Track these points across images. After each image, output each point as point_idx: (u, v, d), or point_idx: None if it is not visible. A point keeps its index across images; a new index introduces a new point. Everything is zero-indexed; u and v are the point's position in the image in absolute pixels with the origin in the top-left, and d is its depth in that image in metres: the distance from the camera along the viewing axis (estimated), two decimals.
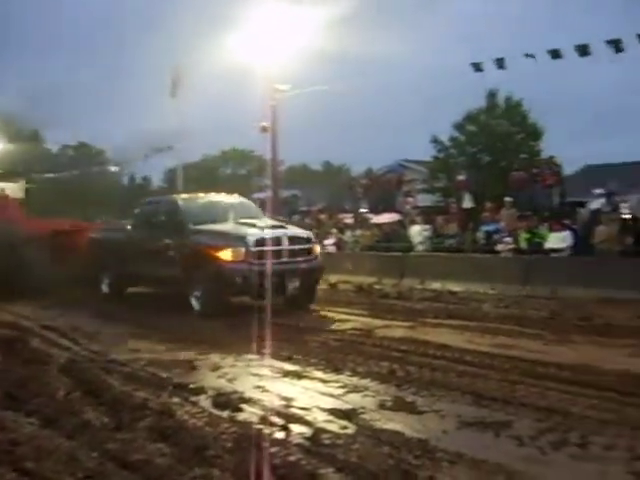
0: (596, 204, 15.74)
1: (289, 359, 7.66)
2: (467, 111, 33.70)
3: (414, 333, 9.21)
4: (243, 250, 10.72)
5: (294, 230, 12.08)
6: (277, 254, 10.98)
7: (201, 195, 13.37)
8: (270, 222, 12.22)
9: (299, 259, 11.28)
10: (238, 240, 10.86)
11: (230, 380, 6.79)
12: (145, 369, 7.29)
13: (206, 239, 11.20)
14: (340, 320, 10.50)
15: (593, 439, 4.86)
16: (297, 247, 11.31)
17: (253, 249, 10.74)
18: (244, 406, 5.73)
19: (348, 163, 56.76)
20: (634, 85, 63.11)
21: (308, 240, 11.72)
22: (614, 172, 25.14)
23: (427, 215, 18.66)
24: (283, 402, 5.87)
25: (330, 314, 11.14)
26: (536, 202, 16.42)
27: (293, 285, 11.10)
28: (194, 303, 11.09)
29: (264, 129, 20.73)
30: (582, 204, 16.64)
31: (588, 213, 15.82)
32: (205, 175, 50.43)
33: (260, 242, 10.84)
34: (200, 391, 6.23)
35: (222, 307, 10.85)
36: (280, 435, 4.98)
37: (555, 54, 12.79)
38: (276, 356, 7.70)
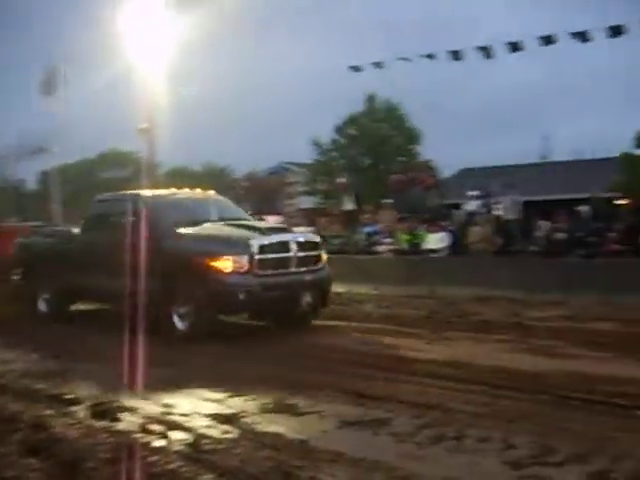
0: (471, 206, 16.32)
1: (168, 365, 7.47)
2: (348, 114, 34.25)
3: (298, 334, 9.25)
4: (246, 258, 8.86)
5: (302, 234, 10.42)
6: (285, 263, 9.28)
7: (173, 191, 11.13)
8: (269, 224, 10.62)
9: (309, 268, 9.54)
10: (239, 246, 8.98)
11: (108, 389, 6.59)
12: (18, 381, 6.98)
13: (195, 245, 9.24)
14: (222, 325, 10.39)
15: (468, 432, 5.01)
16: (306, 254, 9.55)
17: (258, 257, 8.94)
18: (122, 415, 5.58)
19: (231, 165, 56.30)
20: (510, 90, 65.86)
21: (316, 246, 9.90)
22: (490, 174, 26.17)
23: (308, 217, 18.81)
24: (163, 409, 5.76)
25: None
26: (414, 204, 16.84)
27: (306, 300, 9.38)
28: (178, 323, 9.09)
29: (143, 130, 20.27)
30: (458, 206, 17.21)
31: (464, 214, 16.39)
32: (82, 177, 48.82)
33: (266, 249, 9.08)
34: (76, 401, 6.02)
35: (216, 327, 9.04)
36: (160, 443, 4.87)
37: (430, 57, 13.15)
38: (154, 362, 7.49)
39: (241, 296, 8.77)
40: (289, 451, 4.69)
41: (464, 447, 4.76)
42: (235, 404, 5.94)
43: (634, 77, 56.68)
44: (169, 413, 5.65)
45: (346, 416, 5.46)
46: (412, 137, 34.30)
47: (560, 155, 39.69)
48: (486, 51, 12.64)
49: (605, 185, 20.79)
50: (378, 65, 13.94)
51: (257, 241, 9.05)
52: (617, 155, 29.62)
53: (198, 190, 11.37)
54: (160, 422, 5.36)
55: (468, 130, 62.31)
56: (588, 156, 33.63)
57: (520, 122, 62.88)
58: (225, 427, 5.25)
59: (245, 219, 10.67)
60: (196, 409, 5.74)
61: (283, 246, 9.28)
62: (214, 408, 5.80)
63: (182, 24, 19.36)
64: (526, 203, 16.73)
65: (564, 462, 4.40)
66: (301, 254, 9.39)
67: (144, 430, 5.16)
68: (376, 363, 7.38)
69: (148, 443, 4.85)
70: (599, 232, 14.19)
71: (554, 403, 5.79)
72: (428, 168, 17.66)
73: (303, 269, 9.41)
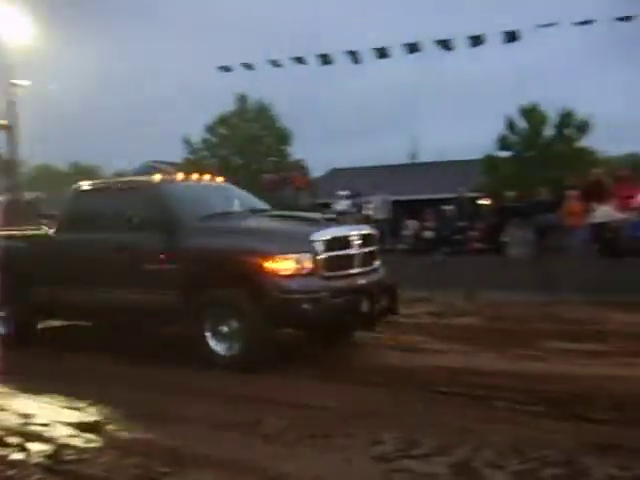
0: (342, 205, 16.55)
1: (21, 374, 7.07)
2: (219, 114, 34.05)
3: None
4: (309, 257, 7.01)
5: (358, 226, 8.41)
6: (348, 261, 7.46)
7: (181, 177, 8.78)
8: (316, 214, 8.78)
9: (370, 268, 7.79)
10: (299, 242, 7.08)
11: None
12: None
13: (238, 242, 7.19)
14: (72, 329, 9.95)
15: (337, 430, 5.04)
16: (367, 250, 7.77)
17: (323, 255, 7.10)
18: None
19: (100, 164, 54.63)
20: (378, 94, 67.50)
21: (373, 240, 8.03)
22: (359, 175, 26.68)
23: None
24: (21, 420, 5.48)
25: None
26: (286, 204, 16.86)
27: (379, 307, 7.59)
28: (216, 346, 7.13)
29: (2, 127, 19.34)
30: (329, 205, 17.41)
31: (334, 214, 16.57)
32: None
33: (333, 244, 7.22)
34: None
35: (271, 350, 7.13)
36: (18, 456, 4.64)
37: (299, 61, 13.19)
38: (10, 371, 7.11)
39: (306, 306, 6.85)
40: (158, 457, 4.57)
41: (333, 445, 4.79)
42: (100, 411, 5.72)
43: (495, 82, 59.33)
44: (28, 423, 5.38)
45: (216, 419, 5.39)
46: (283, 137, 34.53)
47: (428, 156, 41.06)
48: (354, 56, 12.82)
49: (471, 185, 21.64)
50: (248, 67, 13.84)
51: (320, 235, 7.16)
52: (480, 157, 30.90)
53: (207, 177, 9.26)
54: (18, 434, 5.10)
55: (338, 131, 63.43)
56: (454, 157, 34.91)
57: (390, 124, 64.57)
58: (89, 436, 5.05)
59: (271, 210, 9.03)
60: (57, 418, 5.49)
61: (345, 241, 7.49)
62: (77, 416, 5.57)
63: (46, 20, 18.70)
64: (395, 203, 17.16)
65: (429, 454, 4.52)
66: (365, 250, 7.71)
67: (0, 443, 4.89)
68: None
69: (5, 456, 4.62)
70: (463, 231, 14.75)
71: (420, 397, 5.93)
72: (300, 168, 17.74)
73: (367, 268, 7.72)
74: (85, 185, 8.99)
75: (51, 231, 8.85)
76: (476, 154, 31.28)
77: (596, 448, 4.54)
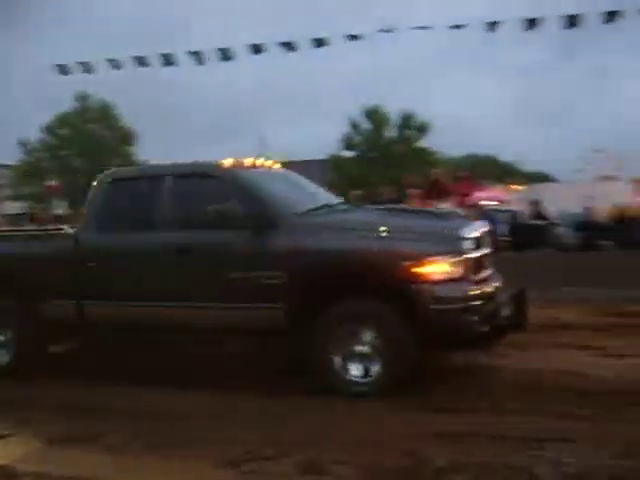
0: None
1: None
2: (58, 114, 32.76)
3: None
4: (461, 259, 5.77)
5: (481, 222, 6.92)
6: (483, 263, 6.24)
7: (251, 162, 7.05)
8: (443, 209, 7.67)
9: (493, 270, 6.58)
10: (448, 240, 5.86)
11: None
12: None
13: (366, 241, 5.86)
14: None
15: (183, 436, 4.92)
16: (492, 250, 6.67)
17: (472, 256, 5.93)
18: None
19: None
20: (225, 95, 67.21)
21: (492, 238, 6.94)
22: None
23: (15, 223, 17.60)
24: None
25: None
26: None
27: (512, 314, 6.45)
28: (346, 371, 5.83)
29: None
30: None
31: None
32: None
33: (479, 242, 6.16)
34: None
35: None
36: None
37: (140, 61, 12.86)
38: None
39: (465, 317, 5.70)
40: None
41: (181, 451, 4.67)
42: None
43: (340, 84, 60.69)
44: None
45: (55, 434, 5.09)
46: (126, 137, 33.63)
47: (275, 157, 41.28)
48: (198, 56, 12.66)
49: (319, 184, 21.94)
50: (86, 66, 13.31)
51: (467, 232, 6.03)
52: (326, 157, 31.53)
53: (271, 161, 7.57)
54: None
55: (185, 132, 62.67)
56: (301, 157, 35.31)
57: (237, 125, 64.50)
58: None
59: (346, 203, 7.77)
60: None
61: (480, 239, 6.29)
62: None
63: None
64: None
65: (277, 454, 4.48)
66: (490, 250, 6.54)
67: None
68: (84, 369, 7.06)
69: None
70: None
71: (272, 398, 5.90)
72: None
73: (492, 271, 6.53)
74: (120, 172, 7.51)
75: (72, 230, 7.18)
76: (323, 154, 31.89)
77: (445, 437, 4.67)
